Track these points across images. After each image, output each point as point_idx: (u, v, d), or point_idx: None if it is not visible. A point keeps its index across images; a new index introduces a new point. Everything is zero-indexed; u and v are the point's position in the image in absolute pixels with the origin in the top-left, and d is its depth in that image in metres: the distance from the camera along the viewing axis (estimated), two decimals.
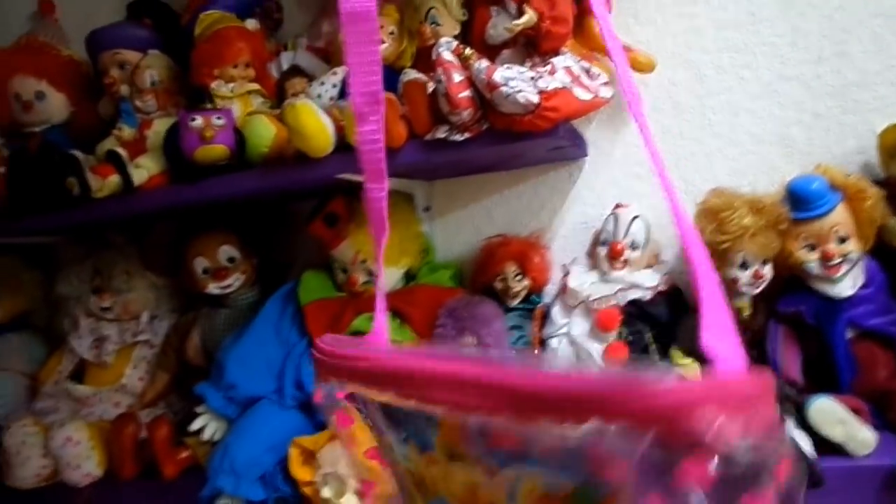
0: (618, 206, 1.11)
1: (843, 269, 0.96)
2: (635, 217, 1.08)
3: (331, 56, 1.17)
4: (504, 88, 0.84)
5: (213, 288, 1.24)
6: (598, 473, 0.40)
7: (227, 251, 1.24)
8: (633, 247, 1.07)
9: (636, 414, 0.34)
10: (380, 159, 0.53)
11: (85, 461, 1.15)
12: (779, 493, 0.37)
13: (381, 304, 0.55)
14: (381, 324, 0.55)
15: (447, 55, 0.88)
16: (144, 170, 1.10)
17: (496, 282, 1.14)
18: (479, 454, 0.48)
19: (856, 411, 0.88)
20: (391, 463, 0.55)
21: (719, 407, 0.34)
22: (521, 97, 0.83)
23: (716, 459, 0.34)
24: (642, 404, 0.34)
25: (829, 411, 0.87)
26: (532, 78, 0.85)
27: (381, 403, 0.50)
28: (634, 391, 0.34)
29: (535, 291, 1.16)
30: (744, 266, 0.97)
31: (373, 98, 0.52)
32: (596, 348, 1.04)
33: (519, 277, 1.13)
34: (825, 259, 0.96)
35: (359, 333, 1.10)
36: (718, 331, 0.41)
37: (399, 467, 0.54)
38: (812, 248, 0.97)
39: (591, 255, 1.12)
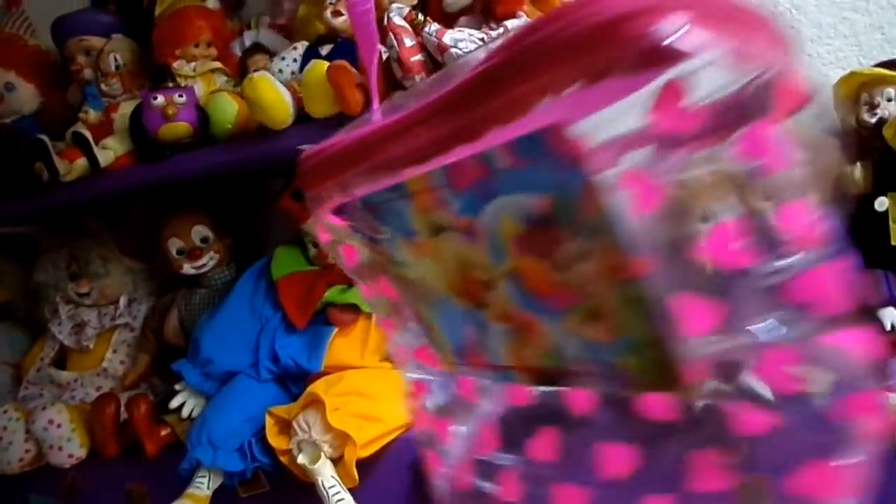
0: None
1: None
2: None
3: (292, 33, 1.18)
4: (454, 50, 0.85)
5: (188, 268, 1.25)
6: (565, 168, 0.36)
7: (200, 231, 1.25)
8: None
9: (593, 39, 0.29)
10: None
11: (67, 443, 1.17)
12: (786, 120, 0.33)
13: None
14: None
15: (398, 20, 0.89)
16: (111, 151, 1.11)
17: None
18: (451, 207, 0.44)
19: None
20: (393, 279, 0.54)
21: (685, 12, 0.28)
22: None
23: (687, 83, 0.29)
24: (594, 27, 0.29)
25: None
26: (482, 39, 0.86)
27: (363, 201, 0.48)
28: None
29: None
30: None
31: None
32: None
33: None
34: None
35: (331, 305, 1.12)
36: None
37: (400, 282, 0.53)
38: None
39: None
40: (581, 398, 0.47)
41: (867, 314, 0.93)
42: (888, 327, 0.93)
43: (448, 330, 0.51)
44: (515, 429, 0.52)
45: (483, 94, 0.34)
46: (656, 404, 0.43)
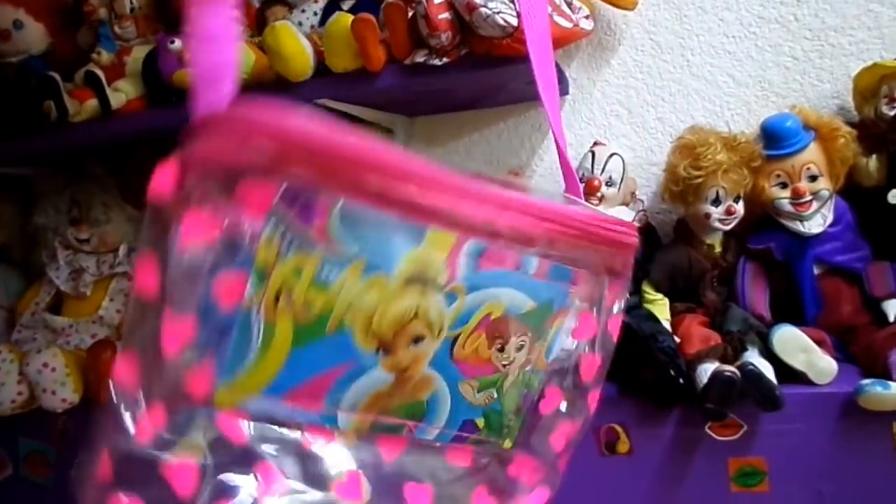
0: (596, 143, 1.12)
1: (813, 206, 0.98)
2: (612, 154, 1.09)
3: None
4: (483, 9, 0.84)
5: None
6: (566, 292, 0.54)
7: None
8: (609, 184, 1.08)
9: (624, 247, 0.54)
10: None
11: (61, 387, 1.16)
12: None
13: None
14: None
15: None
16: (122, 93, 1.10)
17: None
18: (457, 273, 0.49)
19: (819, 342, 0.90)
20: (273, 288, 0.46)
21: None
22: (499, 18, 0.84)
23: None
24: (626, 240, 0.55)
25: (791, 340, 0.89)
26: (512, 0, 0.85)
27: (346, 207, 0.44)
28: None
29: None
30: (716, 202, 0.99)
31: None
32: None
33: None
34: (796, 196, 0.98)
35: None
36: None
37: (280, 294, 0.46)
38: (783, 185, 0.99)
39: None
40: (393, 445, 0.56)
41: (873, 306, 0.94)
42: (892, 319, 0.94)
43: (295, 364, 0.49)
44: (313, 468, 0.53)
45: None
46: (463, 453, 0.59)
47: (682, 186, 0.99)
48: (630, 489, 0.91)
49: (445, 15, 0.88)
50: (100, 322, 1.31)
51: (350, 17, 0.92)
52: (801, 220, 0.98)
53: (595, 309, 0.55)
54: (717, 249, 1.04)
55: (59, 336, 1.30)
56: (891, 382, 0.81)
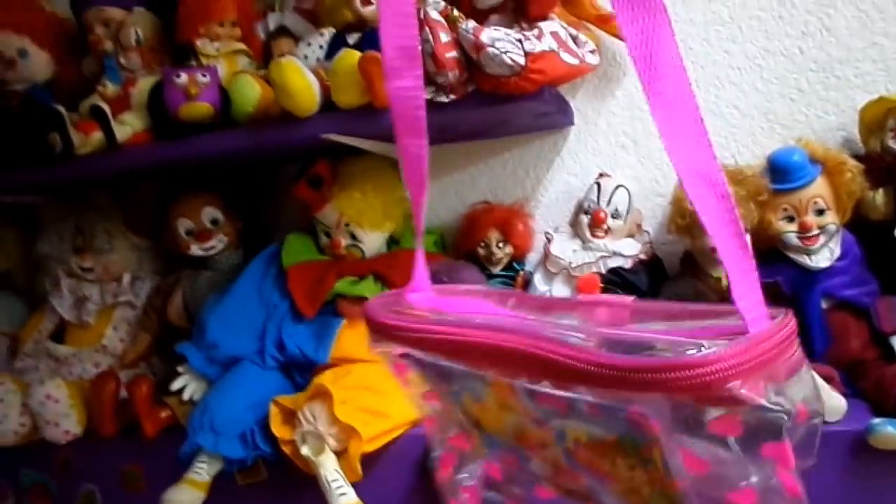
0: (601, 174, 1.12)
1: (821, 240, 0.98)
2: (619, 186, 1.09)
3: (318, 17, 1.16)
4: (491, 49, 0.84)
5: (195, 249, 1.23)
6: (637, 430, 0.46)
7: (210, 213, 1.23)
8: (615, 215, 1.08)
9: (674, 390, 0.38)
10: (418, 116, 0.52)
11: (64, 419, 1.15)
12: (797, 436, 0.40)
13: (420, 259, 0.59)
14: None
15: (434, 15, 0.87)
16: (129, 126, 1.10)
17: (479, 248, 1.14)
18: (528, 409, 0.52)
19: (828, 379, 0.89)
20: (448, 404, 0.60)
21: (747, 374, 0.37)
22: (507, 58, 0.84)
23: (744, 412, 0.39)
24: (678, 383, 0.38)
25: None
26: (519, 40, 0.85)
27: (433, 363, 0.53)
28: (671, 371, 0.38)
29: (518, 258, 1.17)
30: None
31: (407, 53, 0.50)
32: None
33: (502, 244, 1.14)
34: (803, 230, 0.97)
35: (341, 296, 1.11)
36: (744, 286, 0.43)
37: (455, 408, 0.60)
38: (790, 219, 0.99)
39: (574, 223, 1.13)
40: None
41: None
42: None
43: (488, 443, 0.60)
44: None
45: (608, 380, 0.42)
46: None
47: (689, 220, 0.99)
48: None
49: (453, 53, 0.88)
50: (103, 351, 1.31)
51: (357, 55, 0.92)
52: (808, 254, 0.98)
53: (691, 442, 0.45)
54: (725, 282, 1.03)
55: (62, 365, 1.30)
56: None
